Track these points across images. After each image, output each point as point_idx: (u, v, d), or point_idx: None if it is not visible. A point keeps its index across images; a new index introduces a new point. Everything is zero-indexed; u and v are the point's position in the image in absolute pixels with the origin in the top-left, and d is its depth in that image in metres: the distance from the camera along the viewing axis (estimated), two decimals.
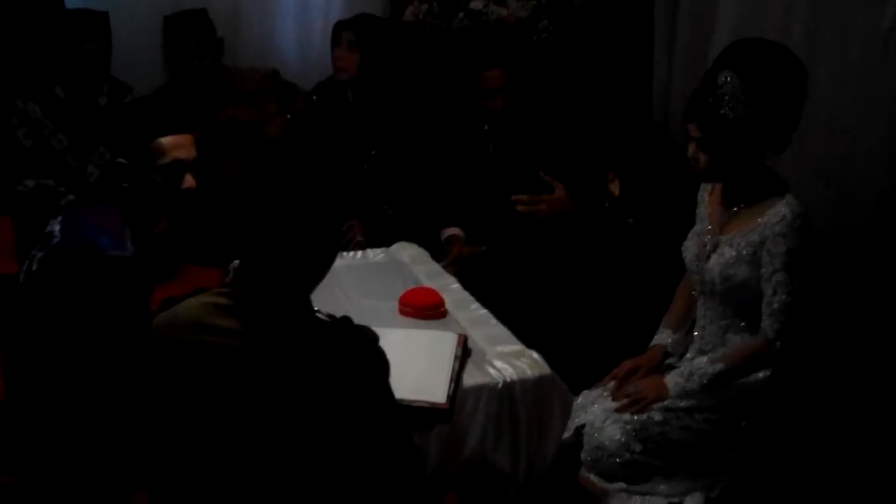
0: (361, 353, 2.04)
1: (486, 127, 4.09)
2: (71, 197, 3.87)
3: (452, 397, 2.55)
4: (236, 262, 3.25)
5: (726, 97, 2.50)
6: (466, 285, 3.27)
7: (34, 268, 2.47)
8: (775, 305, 2.55)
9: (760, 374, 2.61)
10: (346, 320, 2.10)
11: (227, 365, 1.97)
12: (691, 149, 2.63)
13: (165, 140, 2.54)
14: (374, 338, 2.11)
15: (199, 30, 4.36)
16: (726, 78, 2.51)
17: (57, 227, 2.52)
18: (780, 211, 2.57)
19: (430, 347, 2.73)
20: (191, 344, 2.00)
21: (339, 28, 4.30)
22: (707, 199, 2.80)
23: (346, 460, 2.01)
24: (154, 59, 4.53)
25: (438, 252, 3.83)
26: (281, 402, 1.97)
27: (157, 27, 4.49)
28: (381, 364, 2.06)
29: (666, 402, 2.66)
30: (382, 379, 2.06)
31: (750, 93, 2.50)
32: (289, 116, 4.49)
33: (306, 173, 2.06)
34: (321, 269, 2.06)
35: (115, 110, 3.97)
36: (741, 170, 2.61)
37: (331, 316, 2.10)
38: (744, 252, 2.61)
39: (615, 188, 3.45)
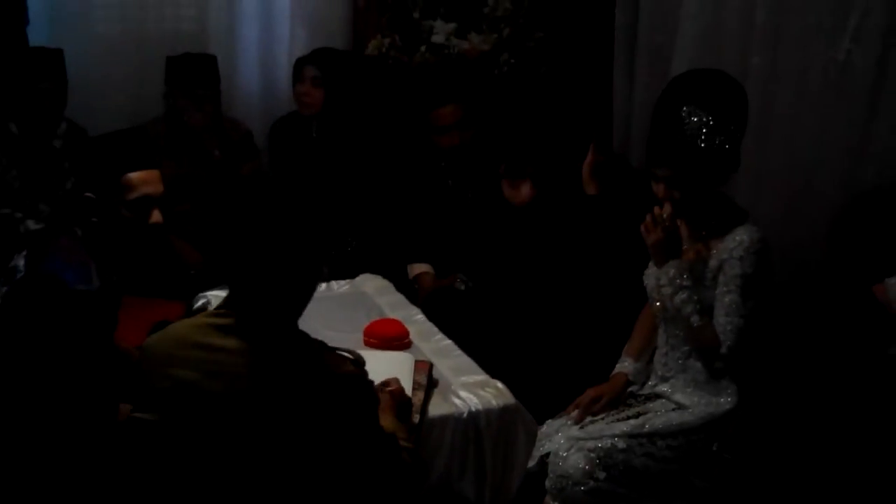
0: (349, 382, 2.08)
1: (443, 163, 4.11)
2: (30, 223, 3.83)
3: (418, 426, 2.55)
4: (203, 295, 3.29)
5: (699, 131, 2.55)
6: (430, 316, 3.29)
7: None
8: (727, 327, 2.60)
9: (723, 403, 2.66)
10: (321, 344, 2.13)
11: (232, 383, 2.01)
12: (661, 189, 2.65)
13: (134, 175, 2.56)
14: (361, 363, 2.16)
15: (207, 76, 4.24)
16: (691, 113, 2.56)
17: (21, 262, 2.51)
18: (738, 236, 2.62)
19: (388, 369, 2.66)
20: (187, 360, 2.04)
21: (302, 63, 4.31)
22: None
23: (332, 484, 2.07)
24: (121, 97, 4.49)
25: (402, 284, 3.81)
26: (279, 420, 2.01)
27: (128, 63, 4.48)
28: (368, 393, 2.11)
29: (628, 429, 2.67)
30: (368, 407, 2.11)
31: (718, 122, 2.56)
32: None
33: (298, 199, 2.10)
34: (310, 289, 2.11)
35: (69, 153, 3.93)
36: (707, 201, 2.65)
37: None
38: (705, 277, 2.65)
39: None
